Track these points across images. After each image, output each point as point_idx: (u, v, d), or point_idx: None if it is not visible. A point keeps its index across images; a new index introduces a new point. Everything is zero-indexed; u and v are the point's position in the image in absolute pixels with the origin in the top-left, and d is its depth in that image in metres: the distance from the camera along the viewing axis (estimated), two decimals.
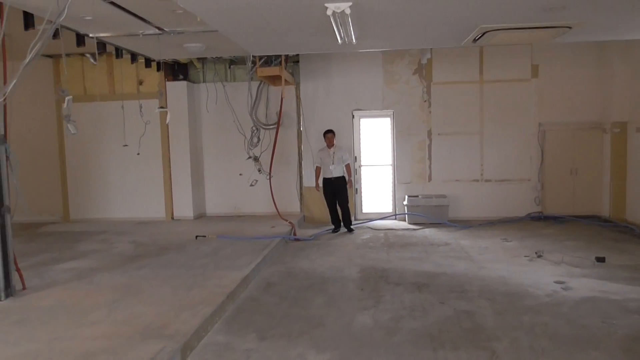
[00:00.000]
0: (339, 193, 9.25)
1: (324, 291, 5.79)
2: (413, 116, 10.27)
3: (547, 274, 6.22)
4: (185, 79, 10.35)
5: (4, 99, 4.57)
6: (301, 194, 10.59)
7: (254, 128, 10.22)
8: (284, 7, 5.61)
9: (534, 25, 6.52)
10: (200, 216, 10.69)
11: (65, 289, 5.64)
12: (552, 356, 3.95)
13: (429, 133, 10.27)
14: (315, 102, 10.41)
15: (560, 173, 10.03)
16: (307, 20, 6.16)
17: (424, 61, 10.09)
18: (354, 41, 6.98)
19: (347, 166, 9.34)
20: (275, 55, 9.20)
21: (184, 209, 10.41)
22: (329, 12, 5.45)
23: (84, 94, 10.22)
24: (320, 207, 10.06)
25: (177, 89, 10.28)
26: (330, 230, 9.36)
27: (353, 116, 10.45)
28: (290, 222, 9.29)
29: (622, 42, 9.01)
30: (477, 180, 10.26)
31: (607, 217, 9.70)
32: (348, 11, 5.45)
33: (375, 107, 10.37)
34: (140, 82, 10.28)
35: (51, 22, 4.21)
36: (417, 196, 10.07)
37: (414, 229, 9.46)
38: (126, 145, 9.42)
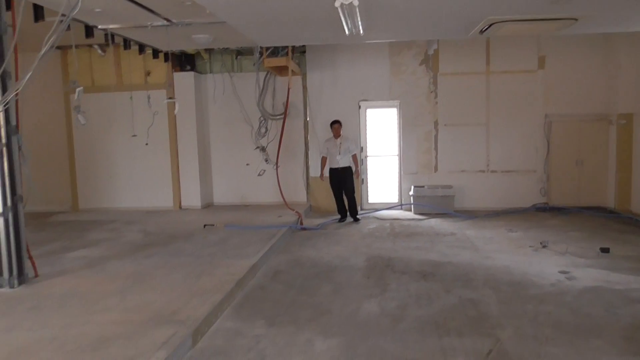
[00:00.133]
0: (345, 183, 9.32)
1: (331, 279, 5.88)
2: (419, 107, 10.30)
3: (552, 264, 6.29)
4: (192, 69, 10.41)
5: (16, 94, 4.64)
6: (308, 183, 10.67)
7: (261, 118, 10.29)
8: None
9: (541, 17, 6.54)
10: (208, 206, 10.80)
11: (77, 277, 5.74)
12: (555, 344, 4.02)
13: (435, 124, 10.30)
14: (321, 93, 10.45)
15: (566, 164, 10.06)
16: (315, 12, 6.20)
17: (431, 52, 10.10)
18: (361, 33, 7.01)
19: (354, 156, 9.40)
20: (282, 46, 9.24)
21: (192, 198, 10.51)
22: (337, 4, 5.48)
23: (92, 85, 10.30)
24: (326, 197, 10.14)
25: (184, 79, 10.34)
26: (337, 220, 9.45)
27: (359, 107, 10.50)
28: (297, 212, 9.37)
29: (628, 34, 8.98)
30: (483, 171, 10.30)
31: (612, 208, 9.74)
32: (356, 3, 5.47)
33: (381, 98, 10.41)
34: (148, 73, 10.34)
35: (63, 15, 4.28)
36: (423, 186, 10.13)
37: (420, 219, 9.53)
38: (135, 136, 9.51)
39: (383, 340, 4.18)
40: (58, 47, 10.05)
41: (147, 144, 9.93)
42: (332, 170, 9.37)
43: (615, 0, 5.96)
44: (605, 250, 6.75)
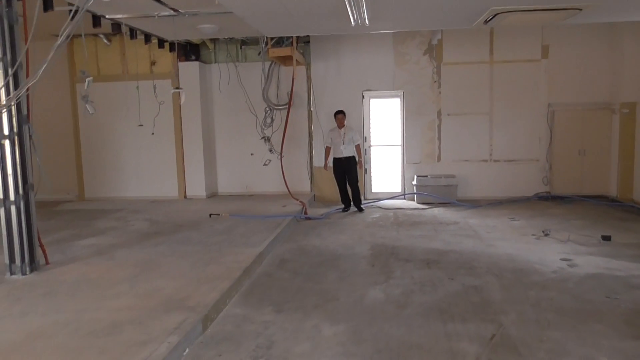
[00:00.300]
0: (349, 173, 9.40)
1: (336, 267, 5.97)
2: (423, 96, 10.35)
3: (554, 251, 6.37)
4: (197, 59, 10.46)
5: (27, 90, 4.71)
6: (311, 173, 10.75)
7: (267, 108, 10.35)
8: None
9: (545, 7, 6.56)
10: (213, 195, 10.89)
11: (87, 264, 5.85)
12: (557, 328, 4.11)
13: (439, 113, 10.36)
14: (325, 83, 10.50)
15: (569, 153, 10.11)
16: (322, 3, 6.23)
17: (435, 42, 10.14)
18: (367, 23, 7.04)
19: (357, 147, 9.46)
20: (287, 36, 9.28)
21: (197, 188, 10.60)
22: None
23: (98, 74, 10.35)
24: (330, 187, 10.22)
25: (189, 69, 10.39)
26: (341, 210, 9.53)
27: (363, 96, 10.55)
28: (301, 201, 9.46)
29: (632, 23, 9.01)
30: (486, 161, 10.37)
31: (614, 197, 9.81)
32: None
33: (385, 88, 10.46)
34: (153, 63, 10.39)
35: (70, 5, 4.34)
36: (426, 176, 10.20)
37: (423, 209, 9.61)
38: (141, 125, 9.58)
39: (388, 325, 4.28)
40: None
41: (153, 134, 10.02)
42: (336, 160, 9.45)
43: None
44: (606, 238, 6.83)
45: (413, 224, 8.24)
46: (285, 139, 9.82)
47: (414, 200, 10.31)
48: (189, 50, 10.39)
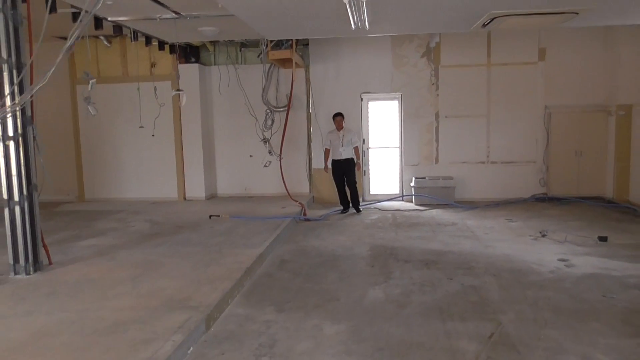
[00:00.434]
0: (347, 174, 9.46)
1: (336, 268, 6.04)
2: (421, 99, 10.42)
3: (551, 252, 6.45)
4: (197, 61, 10.51)
5: (31, 93, 4.76)
6: (310, 175, 10.80)
7: (267, 110, 10.42)
8: None
9: (542, 11, 6.65)
10: (212, 196, 10.94)
11: (89, 265, 5.90)
12: (554, 327, 4.19)
13: (437, 116, 10.43)
14: (324, 85, 10.57)
15: (565, 155, 10.19)
16: (323, 7, 6.29)
17: (433, 44, 10.21)
18: (367, 26, 7.11)
19: (356, 149, 9.52)
20: (286, 39, 9.34)
21: (196, 189, 10.64)
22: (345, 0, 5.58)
23: (98, 75, 10.38)
24: (329, 188, 10.28)
25: (189, 71, 10.42)
26: (339, 211, 9.59)
27: (362, 99, 10.61)
28: (300, 203, 9.52)
29: (628, 26, 9.10)
30: (484, 162, 10.45)
31: (610, 198, 9.90)
32: None
33: (383, 90, 10.53)
34: (153, 65, 10.44)
35: (73, 7, 4.39)
36: (424, 178, 10.27)
37: (421, 210, 9.68)
38: (142, 127, 9.63)
39: (388, 325, 4.34)
40: (64, 38, 10.10)
41: (153, 135, 10.07)
42: (334, 162, 9.51)
43: None
44: (603, 239, 6.91)
45: (411, 225, 8.31)
46: (284, 141, 9.88)
47: (412, 201, 10.38)
48: (189, 53, 10.45)
